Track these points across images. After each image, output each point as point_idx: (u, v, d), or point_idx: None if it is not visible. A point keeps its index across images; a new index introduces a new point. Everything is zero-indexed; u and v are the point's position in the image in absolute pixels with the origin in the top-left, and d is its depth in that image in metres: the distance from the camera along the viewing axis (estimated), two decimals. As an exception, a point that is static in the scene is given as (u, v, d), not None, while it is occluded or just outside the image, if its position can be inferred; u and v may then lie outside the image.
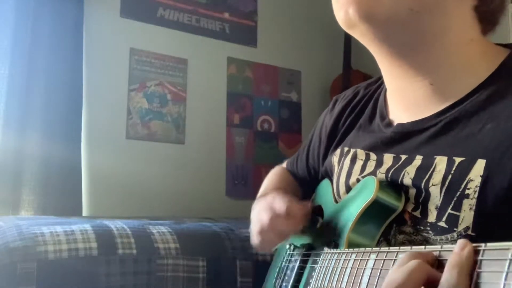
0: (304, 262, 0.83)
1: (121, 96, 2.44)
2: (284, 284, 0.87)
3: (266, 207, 0.83)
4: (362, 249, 0.62)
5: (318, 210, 0.90)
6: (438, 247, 0.47)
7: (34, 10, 2.17)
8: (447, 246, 0.46)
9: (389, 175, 0.71)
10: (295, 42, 3.02)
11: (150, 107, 2.50)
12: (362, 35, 0.68)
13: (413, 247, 0.52)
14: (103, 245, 1.35)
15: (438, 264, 0.46)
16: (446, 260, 0.44)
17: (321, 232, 0.84)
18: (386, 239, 0.70)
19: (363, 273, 0.58)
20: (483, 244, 0.42)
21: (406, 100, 0.72)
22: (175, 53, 2.60)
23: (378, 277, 0.55)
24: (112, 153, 2.37)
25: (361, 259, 0.60)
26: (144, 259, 1.38)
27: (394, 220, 0.69)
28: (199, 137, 2.62)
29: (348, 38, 2.84)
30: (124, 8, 2.49)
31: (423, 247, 0.50)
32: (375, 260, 0.57)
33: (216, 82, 2.73)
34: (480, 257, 0.41)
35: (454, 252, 0.43)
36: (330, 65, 3.05)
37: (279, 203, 0.81)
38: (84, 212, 2.22)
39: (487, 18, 0.67)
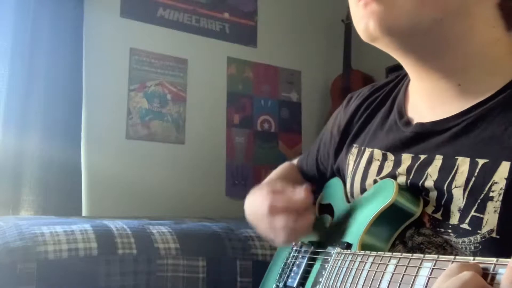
0: (312, 260, 0.82)
1: (121, 96, 2.43)
2: (289, 280, 0.86)
3: (264, 193, 0.81)
4: (381, 253, 0.61)
5: (327, 208, 0.90)
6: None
7: (34, 10, 2.17)
8: (502, 260, 0.43)
9: (411, 176, 0.69)
10: (295, 42, 3.02)
11: (150, 107, 2.50)
12: (385, 46, 0.67)
13: (441, 256, 0.50)
14: (103, 245, 1.35)
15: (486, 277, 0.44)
16: (492, 273, 0.42)
17: (331, 230, 0.83)
18: (402, 242, 0.69)
19: (382, 277, 0.57)
20: None
21: (434, 99, 0.70)
22: (175, 53, 2.60)
23: (400, 283, 0.53)
24: (112, 153, 2.37)
25: (380, 263, 0.59)
26: (144, 259, 1.38)
27: (412, 222, 0.68)
28: (199, 137, 2.62)
29: (348, 38, 2.84)
30: (124, 8, 2.49)
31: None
32: (396, 265, 0.55)
33: (216, 82, 2.73)
34: None
35: (509, 266, 0.41)
36: (330, 65, 3.05)
37: (281, 184, 0.81)
38: (84, 212, 2.22)
39: (511, 14, 0.66)
